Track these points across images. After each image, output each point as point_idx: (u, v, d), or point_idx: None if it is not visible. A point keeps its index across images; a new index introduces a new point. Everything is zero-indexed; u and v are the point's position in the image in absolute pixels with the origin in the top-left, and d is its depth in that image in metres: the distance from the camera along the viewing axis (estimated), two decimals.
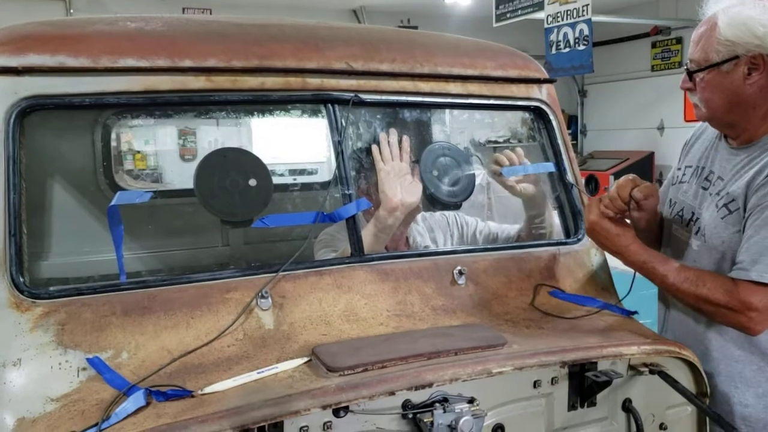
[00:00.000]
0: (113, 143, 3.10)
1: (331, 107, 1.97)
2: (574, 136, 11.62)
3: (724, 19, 1.82)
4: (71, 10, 8.42)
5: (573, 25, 7.01)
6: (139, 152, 5.90)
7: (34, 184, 2.37)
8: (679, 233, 2.09)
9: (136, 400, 1.39)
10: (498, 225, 2.56)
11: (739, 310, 1.76)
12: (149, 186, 4.16)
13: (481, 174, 2.39)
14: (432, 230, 2.50)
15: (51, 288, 1.61)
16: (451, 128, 2.95)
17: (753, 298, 1.75)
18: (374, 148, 2.07)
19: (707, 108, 1.94)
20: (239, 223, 1.95)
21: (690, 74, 1.94)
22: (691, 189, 2.07)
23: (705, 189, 2.02)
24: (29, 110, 1.64)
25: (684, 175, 2.14)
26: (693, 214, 2.03)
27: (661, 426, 1.87)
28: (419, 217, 2.48)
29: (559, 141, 2.30)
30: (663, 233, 2.17)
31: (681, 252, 2.05)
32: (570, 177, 2.28)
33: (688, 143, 2.21)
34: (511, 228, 2.49)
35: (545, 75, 2.35)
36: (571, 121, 11.65)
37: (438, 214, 2.55)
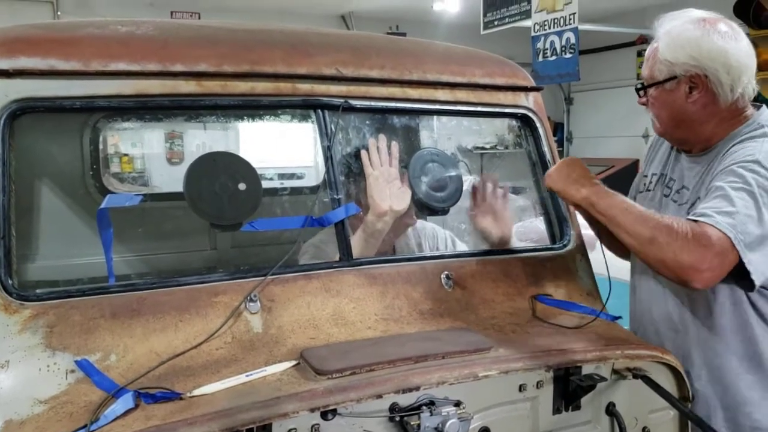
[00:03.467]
0: (102, 146, 3.09)
1: (320, 112, 1.98)
2: (561, 143, 11.69)
3: (665, 39, 1.91)
4: (58, 13, 8.38)
5: (560, 34, 7.07)
6: (125, 155, 5.88)
7: (24, 187, 2.37)
8: None
9: (125, 402, 1.40)
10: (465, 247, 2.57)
11: (701, 246, 1.66)
12: (136, 189, 4.15)
13: (468, 180, 2.42)
14: (420, 242, 2.51)
15: (39, 290, 1.61)
16: (438, 134, 2.97)
17: (712, 238, 1.66)
18: (363, 153, 2.08)
19: (659, 123, 2.03)
20: (228, 226, 1.96)
21: (638, 90, 2.03)
22: (656, 196, 2.13)
23: (666, 196, 2.08)
24: (19, 113, 1.64)
25: (651, 182, 2.20)
26: None
27: (644, 429, 1.89)
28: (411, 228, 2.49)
29: (545, 148, 2.32)
30: None
31: None
32: None
33: (653, 148, 2.27)
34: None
35: (532, 83, 2.38)
36: (558, 128, 11.72)
37: (429, 226, 2.58)
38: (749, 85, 1.88)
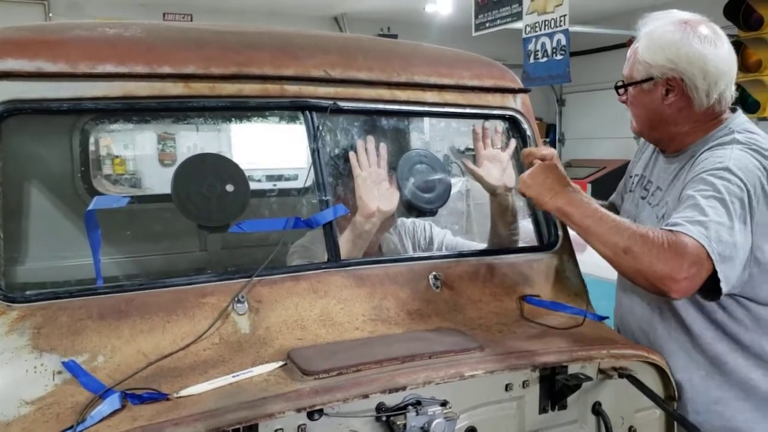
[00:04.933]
0: (91, 148, 3.09)
1: (309, 114, 1.98)
2: (553, 144, 11.73)
3: (645, 40, 1.92)
4: (50, 14, 8.36)
5: (551, 35, 7.10)
6: (117, 157, 5.88)
7: (12, 189, 2.37)
8: None
9: (112, 402, 1.40)
10: (465, 241, 2.59)
11: (676, 255, 1.62)
12: (128, 191, 4.15)
13: (459, 182, 2.43)
14: (401, 238, 2.53)
15: (27, 292, 1.61)
16: (430, 136, 2.99)
17: (688, 247, 1.63)
18: (351, 154, 2.09)
19: (636, 122, 2.05)
20: (216, 228, 1.96)
21: (617, 88, 2.05)
22: (635, 198, 2.15)
23: (643, 198, 2.10)
24: (7, 115, 1.64)
25: (633, 183, 2.22)
26: (635, 221, 2.02)
27: (630, 429, 1.90)
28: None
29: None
30: None
31: None
32: None
33: (640, 149, 2.28)
34: (478, 246, 2.51)
35: (520, 85, 2.39)
36: (550, 130, 11.78)
37: (409, 221, 2.59)
38: (727, 90, 1.88)
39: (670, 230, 1.66)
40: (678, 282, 1.62)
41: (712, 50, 1.84)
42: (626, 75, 2.01)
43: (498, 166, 2.28)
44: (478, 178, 2.28)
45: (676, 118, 1.94)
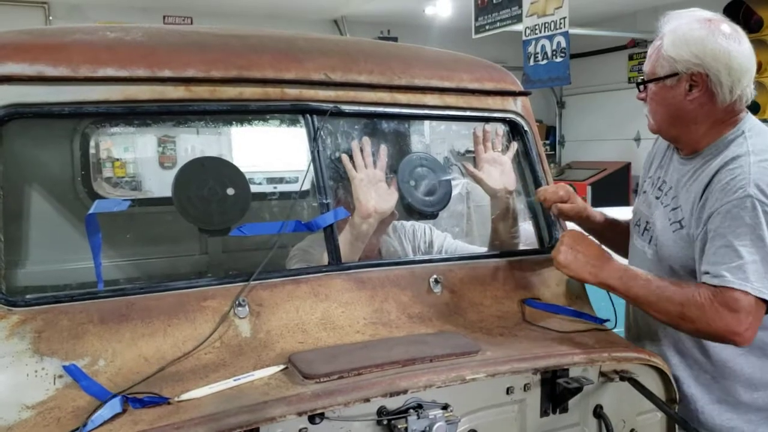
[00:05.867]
0: (92, 151, 3.09)
1: (309, 117, 1.99)
2: (553, 147, 11.74)
3: (670, 36, 1.92)
4: (50, 18, 8.37)
5: (550, 38, 7.11)
6: (118, 160, 5.87)
7: (12, 192, 2.37)
8: (638, 243, 2.16)
9: (113, 406, 1.40)
10: (464, 245, 2.59)
11: (730, 311, 1.72)
12: (128, 194, 4.15)
13: (459, 184, 2.43)
14: (401, 241, 2.53)
15: (28, 296, 1.61)
16: (431, 139, 2.98)
17: (739, 301, 1.73)
18: (344, 157, 2.09)
19: (654, 119, 2.04)
20: (217, 231, 1.96)
21: (638, 85, 2.04)
22: (648, 198, 2.15)
23: (657, 198, 2.10)
24: (7, 119, 1.64)
25: (645, 183, 2.23)
26: (647, 223, 2.11)
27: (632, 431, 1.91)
28: (391, 227, 2.51)
29: (534, 152, 2.34)
30: (629, 243, 2.25)
31: (639, 261, 2.11)
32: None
33: (651, 153, 2.28)
34: (478, 250, 2.51)
35: (520, 87, 2.39)
36: (550, 132, 11.78)
37: (409, 224, 2.59)
38: (747, 88, 1.90)
39: (715, 286, 1.75)
40: (741, 334, 1.74)
41: (736, 47, 1.85)
42: (648, 72, 2.00)
43: (498, 168, 2.28)
44: (479, 181, 2.29)
45: (697, 115, 1.93)
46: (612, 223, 2.39)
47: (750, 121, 1.96)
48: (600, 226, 2.36)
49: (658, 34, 1.98)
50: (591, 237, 2.05)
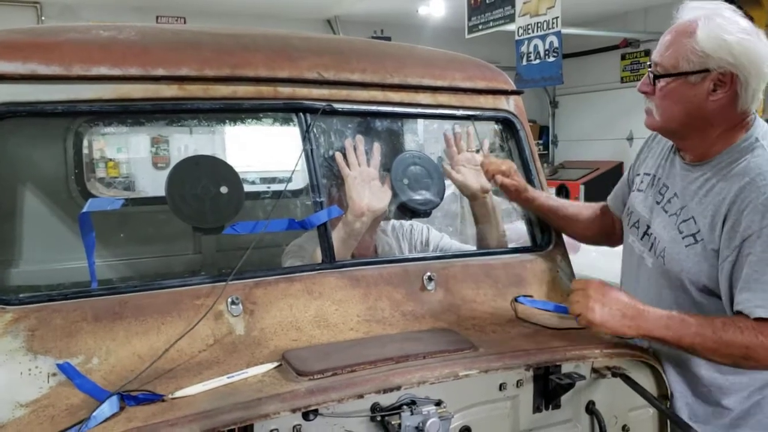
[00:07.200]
0: (85, 151, 3.09)
1: (302, 116, 2.00)
2: (546, 146, 11.77)
3: (704, 29, 1.74)
4: (42, 18, 8.34)
5: (543, 38, 7.13)
6: (111, 160, 5.86)
7: (5, 191, 2.37)
8: (634, 245, 2.07)
9: (111, 405, 1.40)
10: (462, 245, 2.60)
11: None
12: (121, 194, 4.14)
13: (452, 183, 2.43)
14: (398, 240, 2.54)
15: (21, 294, 1.61)
16: (424, 138, 2.99)
17: None
18: (338, 155, 2.10)
19: (662, 116, 1.87)
20: (210, 230, 1.97)
21: (655, 78, 1.85)
22: (647, 201, 2.04)
23: (658, 203, 1.98)
24: (0, 117, 1.65)
25: (642, 182, 2.10)
26: (648, 227, 2.00)
27: (624, 428, 1.91)
28: (389, 227, 2.51)
29: (527, 151, 2.35)
30: (623, 238, 2.19)
31: (634, 263, 2.06)
32: (537, 186, 2.33)
33: (647, 146, 2.17)
34: (473, 249, 2.51)
35: (512, 86, 2.40)
36: (543, 132, 11.81)
37: (407, 223, 2.60)
38: (761, 93, 1.80)
39: (763, 320, 1.68)
40: None
41: (767, 51, 1.75)
42: (668, 65, 1.80)
43: (473, 169, 2.29)
44: (455, 182, 2.30)
45: (714, 117, 1.80)
46: (554, 208, 2.29)
47: (761, 126, 1.85)
48: (543, 210, 2.28)
49: (675, 23, 1.82)
50: (613, 285, 1.85)
